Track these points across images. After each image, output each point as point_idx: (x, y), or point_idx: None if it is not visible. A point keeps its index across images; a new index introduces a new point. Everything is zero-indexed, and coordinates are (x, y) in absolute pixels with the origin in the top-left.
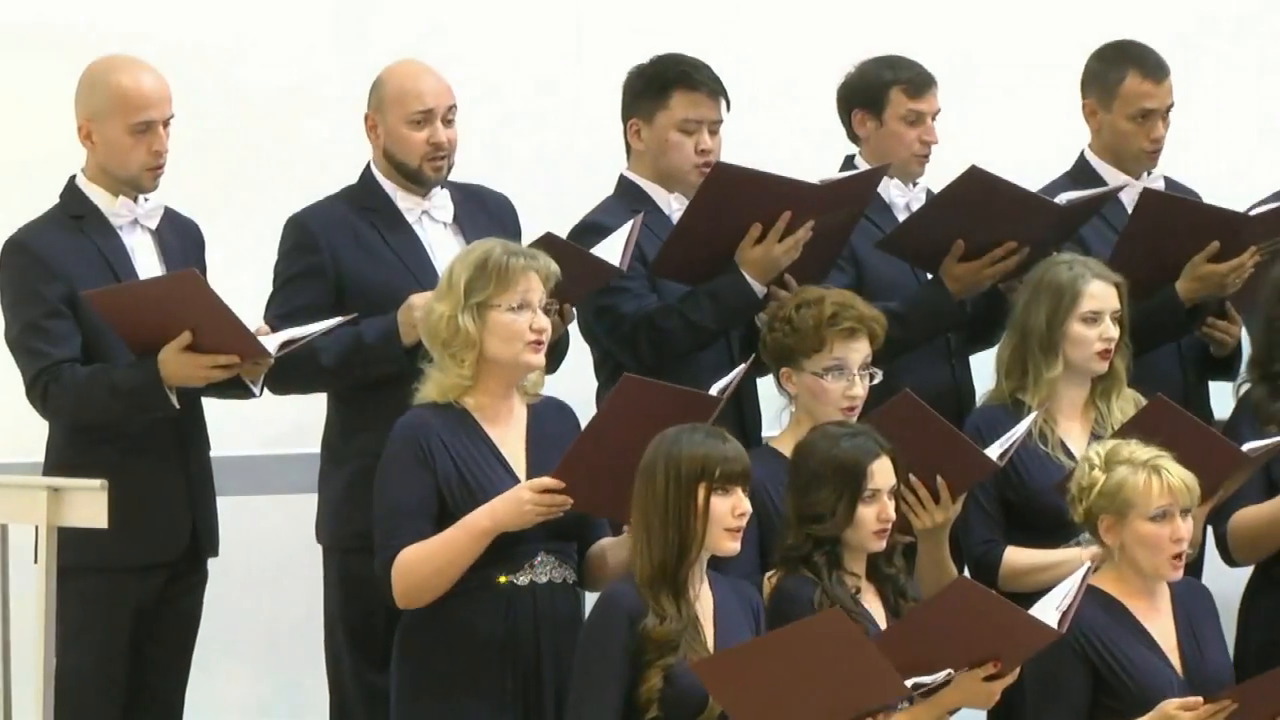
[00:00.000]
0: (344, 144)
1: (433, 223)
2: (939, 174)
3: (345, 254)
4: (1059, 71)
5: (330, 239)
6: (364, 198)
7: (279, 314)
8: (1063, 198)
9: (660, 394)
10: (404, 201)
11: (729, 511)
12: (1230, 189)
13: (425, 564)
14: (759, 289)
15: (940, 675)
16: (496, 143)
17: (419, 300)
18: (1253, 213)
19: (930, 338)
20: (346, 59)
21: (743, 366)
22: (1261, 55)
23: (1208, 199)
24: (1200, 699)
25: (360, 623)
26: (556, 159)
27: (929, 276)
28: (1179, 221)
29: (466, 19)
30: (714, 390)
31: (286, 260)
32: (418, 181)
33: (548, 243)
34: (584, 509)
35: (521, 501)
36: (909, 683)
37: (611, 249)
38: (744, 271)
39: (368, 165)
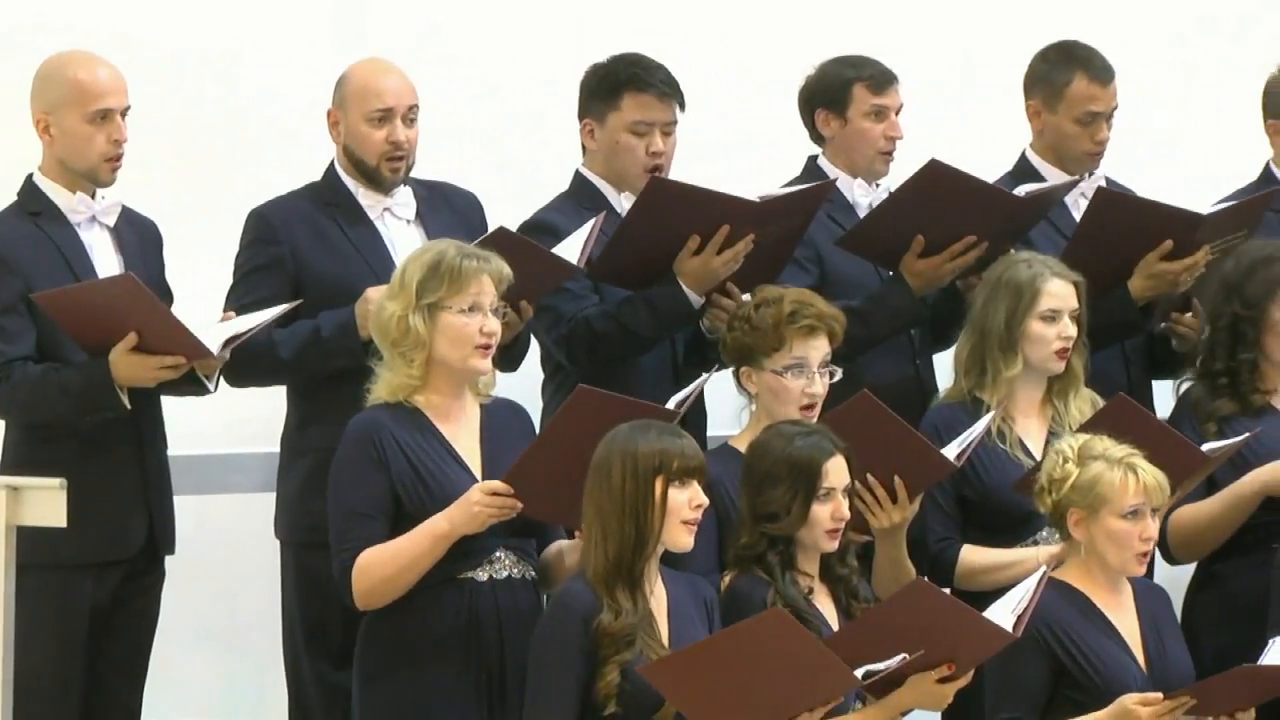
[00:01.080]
0: None
1: (395, 219)
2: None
3: (305, 248)
4: None
5: (291, 233)
6: (326, 193)
7: (238, 306)
8: (1022, 189)
9: (615, 406)
10: (366, 198)
11: (686, 503)
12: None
13: (384, 567)
14: (695, 299)
15: (893, 661)
16: (496, 143)
17: (375, 294)
18: (1206, 211)
19: (892, 335)
20: (345, 58)
21: (703, 378)
22: (1264, 55)
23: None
24: (1160, 695)
25: (317, 619)
26: (556, 159)
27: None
28: (1132, 220)
29: (465, 19)
30: (671, 403)
31: (247, 253)
32: (375, 181)
33: (503, 238)
34: (534, 515)
35: (471, 503)
36: (860, 671)
37: (570, 247)
38: (681, 282)
39: (331, 162)
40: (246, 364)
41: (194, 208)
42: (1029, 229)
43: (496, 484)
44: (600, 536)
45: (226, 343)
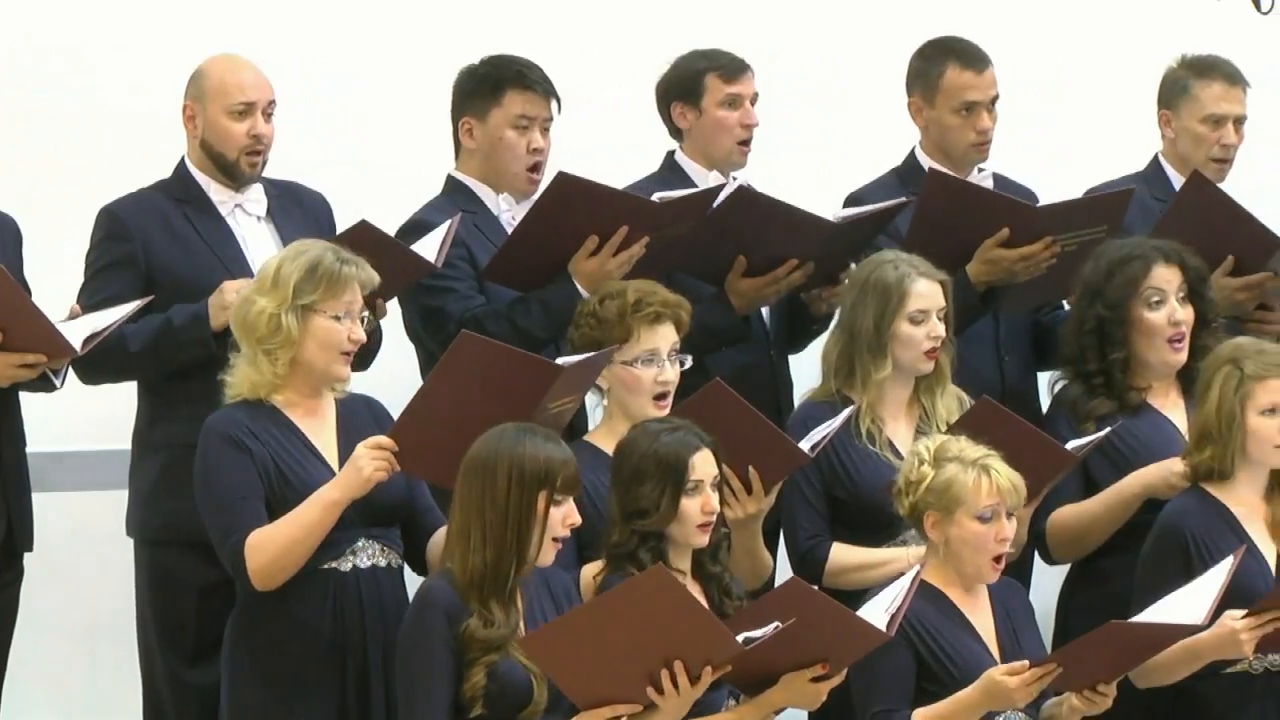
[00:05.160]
0: None
1: (246, 216)
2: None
3: (157, 245)
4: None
5: (142, 230)
6: (178, 189)
7: (89, 304)
8: (839, 215)
9: (498, 355)
10: (217, 194)
11: (560, 521)
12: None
13: (277, 541)
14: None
15: (769, 629)
16: (347, 142)
17: (231, 286)
18: (1042, 204)
19: (710, 351)
20: (205, 54)
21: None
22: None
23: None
24: (1026, 663)
25: (171, 617)
26: (409, 159)
27: None
28: (966, 206)
29: (321, 19)
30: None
31: (98, 250)
32: (233, 175)
33: (364, 231)
34: (415, 474)
35: (358, 458)
36: (739, 638)
37: (429, 246)
38: (576, 282)
39: (182, 158)
40: (98, 360)
41: (52, 204)
42: (867, 244)
43: (382, 439)
44: (480, 539)
45: (87, 341)
